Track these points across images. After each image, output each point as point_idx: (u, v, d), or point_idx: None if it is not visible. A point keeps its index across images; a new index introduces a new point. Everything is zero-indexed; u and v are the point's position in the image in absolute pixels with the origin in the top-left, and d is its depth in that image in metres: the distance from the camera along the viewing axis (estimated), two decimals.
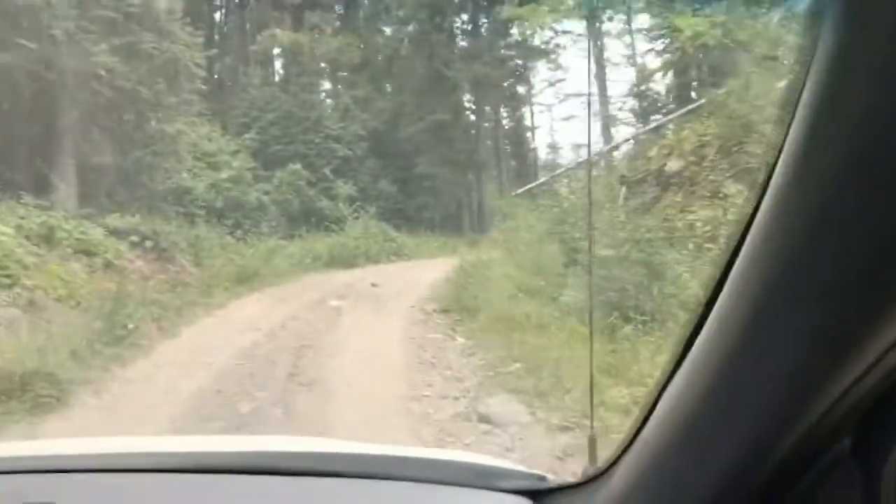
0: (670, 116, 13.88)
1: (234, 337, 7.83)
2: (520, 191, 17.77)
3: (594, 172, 13.01)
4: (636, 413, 0.95)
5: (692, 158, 10.06)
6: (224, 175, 20.82)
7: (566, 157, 29.50)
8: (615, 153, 17.29)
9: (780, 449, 0.74)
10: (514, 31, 28.96)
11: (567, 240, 11.42)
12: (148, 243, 13.75)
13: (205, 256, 15.41)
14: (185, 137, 16.65)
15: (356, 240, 19.28)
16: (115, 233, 13.29)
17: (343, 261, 17.68)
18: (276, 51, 30.29)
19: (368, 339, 7.72)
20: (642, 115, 25.12)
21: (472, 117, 31.10)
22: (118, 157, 15.14)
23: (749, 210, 0.67)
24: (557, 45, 29.19)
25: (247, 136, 24.37)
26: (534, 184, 17.93)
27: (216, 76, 29.28)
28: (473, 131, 30.75)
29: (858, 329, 0.63)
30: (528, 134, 33.76)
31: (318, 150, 26.04)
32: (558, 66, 30.41)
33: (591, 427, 1.55)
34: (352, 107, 28.22)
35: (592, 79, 25.49)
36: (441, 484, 1.25)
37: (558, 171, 14.75)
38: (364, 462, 1.35)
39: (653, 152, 12.52)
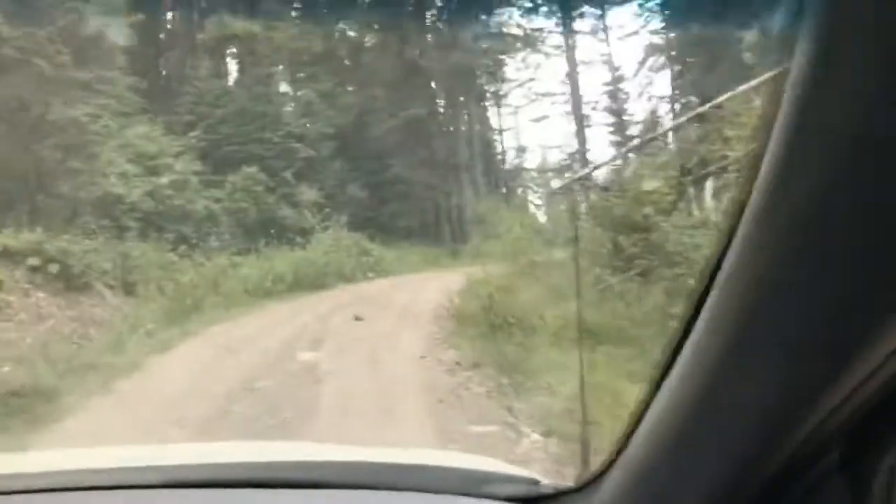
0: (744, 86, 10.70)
1: (132, 447, 4.42)
2: (557, 187, 14.72)
3: (651, 159, 10.08)
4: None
5: None
6: (165, 180, 17.64)
7: (561, 157, 26.66)
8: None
9: (769, 463, 0.73)
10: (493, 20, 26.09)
11: (609, 253, 8.39)
12: (52, 268, 10.38)
13: (136, 282, 12.05)
14: (111, 131, 13.15)
15: (326, 254, 16.14)
16: (4, 255, 9.89)
17: (311, 281, 14.47)
18: (230, 48, 27.23)
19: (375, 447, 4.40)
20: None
21: (450, 113, 28.13)
22: (16, 154, 11.56)
23: (730, 223, 0.65)
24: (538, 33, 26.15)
25: (192, 134, 20.92)
26: (566, 181, 14.88)
27: (159, 68, 25.98)
28: (451, 129, 27.87)
29: (847, 346, 0.62)
30: (506, 134, 30.76)
31: (278, 151, 23.03)
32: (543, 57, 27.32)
33: (584, 431, 1.44)
34: (315, 101, 24.96)
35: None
36: (432, 492, 1.19)
37: (599, 163, 11.74)
38: (351, 470, 1.29)
39: (730, 133, 9.51)
